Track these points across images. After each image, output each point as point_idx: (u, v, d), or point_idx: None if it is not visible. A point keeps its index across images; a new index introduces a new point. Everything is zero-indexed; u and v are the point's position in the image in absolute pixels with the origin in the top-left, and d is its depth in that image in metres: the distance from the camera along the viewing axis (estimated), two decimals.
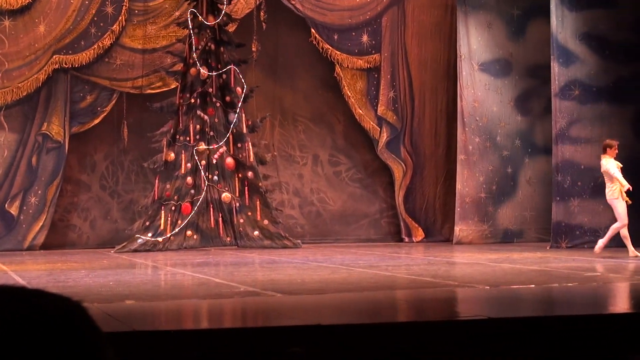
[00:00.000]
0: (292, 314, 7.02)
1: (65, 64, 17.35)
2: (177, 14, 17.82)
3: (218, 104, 17.14)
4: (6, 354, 1.19)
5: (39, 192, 17.22)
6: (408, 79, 18.80)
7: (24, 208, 17.15)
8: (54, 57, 17.28)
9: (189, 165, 16.82)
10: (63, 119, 17.35)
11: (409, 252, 15.96)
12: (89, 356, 1.25)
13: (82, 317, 1.29)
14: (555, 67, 16.04)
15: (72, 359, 1.23)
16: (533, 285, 8.94)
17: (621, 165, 13.56)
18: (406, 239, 18.57)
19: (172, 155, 16.86)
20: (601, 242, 13.50)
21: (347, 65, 18.59)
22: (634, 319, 6.34)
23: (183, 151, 16.89)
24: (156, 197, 16.71)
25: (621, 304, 8.27)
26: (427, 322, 6.49)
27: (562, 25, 16.06)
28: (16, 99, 17.18)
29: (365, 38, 18.69)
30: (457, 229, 17.64)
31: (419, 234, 18.63)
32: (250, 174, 17.06)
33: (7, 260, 14.07)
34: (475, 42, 17.92)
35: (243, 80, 17.22)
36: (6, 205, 17.06)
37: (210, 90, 17.10)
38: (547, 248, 15.55)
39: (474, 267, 12.01)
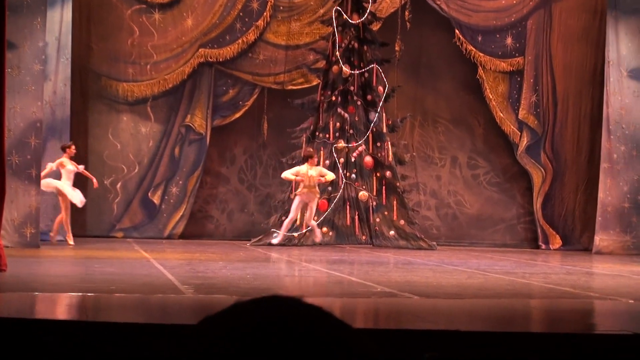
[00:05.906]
0: (428, 318, 6.97)
1: (210, 57, 17.67)
2: (321, 11, 17.93)
3: (359, 103, 17.18)
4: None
5: (180, 182, 17.61)
6: (552, 84, 18.42)
7: (166, 197, 17.57)
8: (200, 50, 17.63)
9: (327, 162, 16.90)
10: (206, 111, 17.69)
11: (546, 259, 15.63)
12: None
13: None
14: None
15: None
16: None
17: None
18: (543, 246, 18.20)
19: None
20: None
21: (490, 68, 18.33)
22: None
23: (322, 148, 16.99)
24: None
25: None
26: (563, 334, 6.32)
27: None
28: (162, 91, 17.61)
29: (509, 40, 18.39)
30: (597, 238, 17.19)
31: (557, 242, 18.23)
32: (388, 173, 17.03)
33: (148, 248, 14.46)
34: (625, 48, 17.41)
35: (385, 80, 17.20)
36: (149, 194, 17.52)
37: (352, 88, 17.14)
38: None
39: (616, 279, 11.67)
